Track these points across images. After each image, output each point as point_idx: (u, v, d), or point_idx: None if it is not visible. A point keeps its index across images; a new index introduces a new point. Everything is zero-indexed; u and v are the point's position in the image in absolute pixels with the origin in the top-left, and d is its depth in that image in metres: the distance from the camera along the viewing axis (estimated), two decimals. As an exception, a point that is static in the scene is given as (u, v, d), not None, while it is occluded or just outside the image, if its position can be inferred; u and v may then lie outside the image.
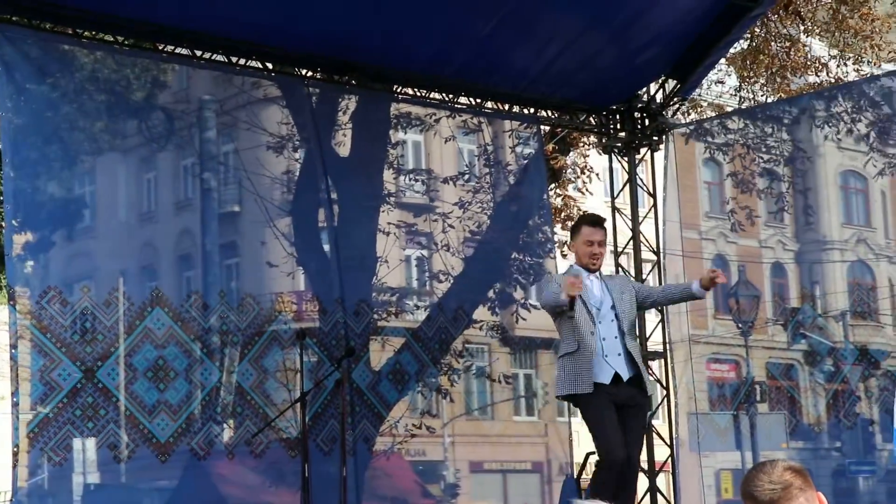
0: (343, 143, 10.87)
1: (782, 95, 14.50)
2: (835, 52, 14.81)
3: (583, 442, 11.88)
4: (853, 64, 14.51)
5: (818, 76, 14.74)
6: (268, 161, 10.66)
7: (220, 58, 9.72)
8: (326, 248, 10.59)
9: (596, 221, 7.44)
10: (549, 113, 11.35)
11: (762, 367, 12.44)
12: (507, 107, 11.03)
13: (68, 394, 8.62)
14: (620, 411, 7.14)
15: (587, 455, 10.22)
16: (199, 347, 9.33)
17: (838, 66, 14.67)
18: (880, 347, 11.54)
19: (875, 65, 14.49)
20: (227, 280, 10.50)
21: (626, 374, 7.16)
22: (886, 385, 10.85)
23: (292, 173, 10.89)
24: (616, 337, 7.12)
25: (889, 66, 14.71)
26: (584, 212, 15.71)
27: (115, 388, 8.87)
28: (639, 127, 11.35)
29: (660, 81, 11.24)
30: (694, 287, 7.24)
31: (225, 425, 9.53)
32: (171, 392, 9.08)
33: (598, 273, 7.32)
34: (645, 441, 11.15)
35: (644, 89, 11.34)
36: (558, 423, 12.27)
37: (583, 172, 15.51)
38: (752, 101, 14.76)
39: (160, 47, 9.46)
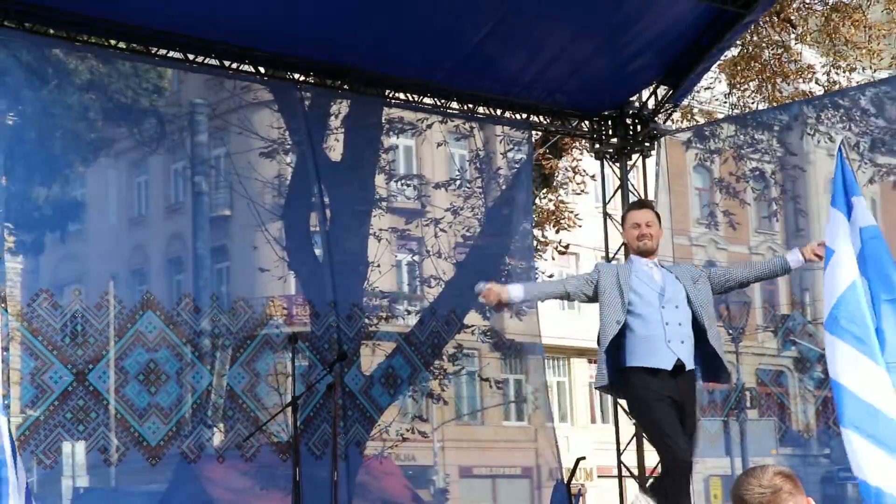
0: (335, 148, 10.88)
1: (774, 103, 14.55)
2: (827, 59, 14.88)
3: (572, 447, 11.91)
4: (845, 72, 14.57)
5: (808, 84, 14.80)
6: (259, 165, 10.68)
7: (212, 62, 9.72)
8: (318, 252, 10.60)
9: (641, 204, 7.10)
10: (542, 118, 11.38)
11: (752, 374, 12.47)
12: (499, 112, 11.06)
13: (59, 396, 8.63)
14: (679, 407, 6.47)
15: (577, 460, 10.25)
16: (191, 351, 9.34)
17: (829, 73, 14.73)
18: (869, 354, 11.54)
19: (873, 70, 14.53)
20: (217, 284, 10.52)
21: (688, 364, 6.51)
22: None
23: (283, 177, 10.91)
24: (681, 324, 6.49)
25: (883, 74, 14.77)
26: (576, 214, 15.81)
27: (106, 392, 8.87)
28: (630, 133, 11.39)
29: (651, 88, 11.27)
30: (791, 259, 6.60)
31: (215, 429, 9.53)
32: (162, 395, 9.08)
33: (656, 261, 6.72)
34: (636, 446, 11.20)
35: (636, 96, 11.38)
36: (548, 429, 12.29)
37: (576, 174, 15.57)
38: (743, 108, 14.81)
39: (153, 51, 9.46)
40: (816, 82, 14.69)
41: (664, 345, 6.45)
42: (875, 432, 5.70)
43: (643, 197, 11.54)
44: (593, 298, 6.65)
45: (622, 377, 6.56)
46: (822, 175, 14.40)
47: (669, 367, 6.43)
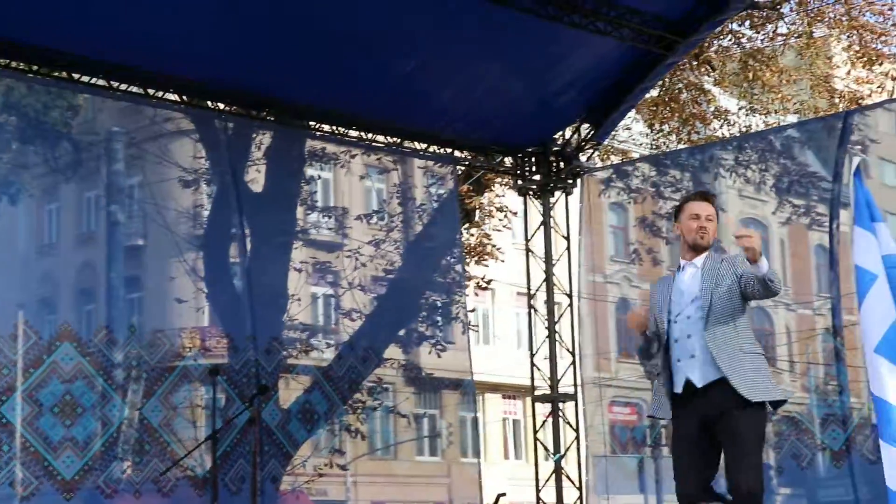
0: (257, 179, 10.78)
1: (689, 144, 14.77)
2: (743, 102, 15.17)
3: (486, 483, 11.90)
4: (760, 115, 14.87)
5: (723, 128, 15.07)
6: (177, 194, 10.54)
7: (135, 89, 9.61)
8: (238, 284, 10.46)
9: (704, 196, 6.27)
10: (466, 154, 11.42)
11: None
12: (423, 146, 11.07)
13: (-31, 430, 8.38)
14: (712, 428, 5.86)
15: (498, 496, 10.24)
16: (108, 383, 9.14)
17: (746, 115, 15.02)
18: (779, 394, 11.69)
19: (783, 115, 14.87)
20: (129, 314, 10.31)
21: (700, 380, 5.86)
22: (783, 430, 10.99)
23: (201, 207, 10.77)
24: (690, 336, 5.90)
25: (794, 118, 15.10)
26: (499, 249, 15.83)
27: (18, 424, 8.63)
28: (553, 170, 11.47)
29: (575, 125, 11.38)
30: (754, 269, 5.75)
31: (128, 461, 9.33)
32: (77, 428, 8.87)
33: (704, 256, 6.04)
34: (554, 482, 11.19)
35: (559, 133, 11.47)
36: (463, 464, 12.26)
37: (499, 210, 15.68)
38: (661, 149, 15.03)
39: (75, 77, 9.31)
40: (732, 125, 14.97)
41: (675, 364, 5.94)
42: None
43: (565, 234, 11.60)
44: None
45: None
46: (733, 216, 14.63)
47: (679, 390, 5.91)
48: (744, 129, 14.74)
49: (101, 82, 9.46)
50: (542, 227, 11.57)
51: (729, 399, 5.80)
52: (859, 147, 10.67)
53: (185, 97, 9.96)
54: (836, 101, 14.93)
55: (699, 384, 5.88)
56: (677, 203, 6.48)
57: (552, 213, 11.62)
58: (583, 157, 11.49)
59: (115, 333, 9.39)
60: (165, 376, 9.49)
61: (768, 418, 6.03)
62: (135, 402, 9.37)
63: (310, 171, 11.41)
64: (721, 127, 15.13)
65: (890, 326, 6.18)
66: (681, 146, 14.70)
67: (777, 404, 5.95)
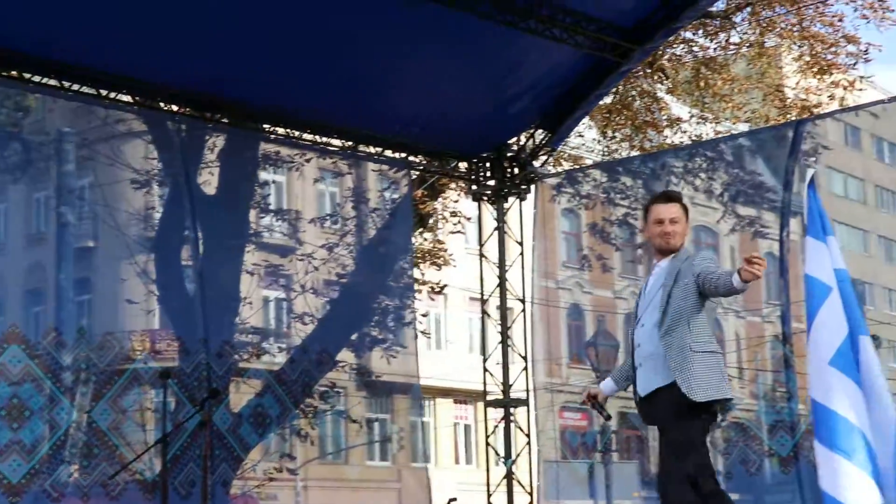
0: (209, 182, 10.72)
1: (641, 150, 14.86)
2: (695, 111, 15.30)
3: (436, 488, 11.90)
4: (711, 123, 15.00)
5: (675, 136, 15.17)
6: (128, 196, 10.46)
7: (88, 90, 9.53)
8: (190, 287, 10.40)
9: (669, 197, 6.06)
10: (420, 158, 11.43)
11: (616, 416, 12.63)
12: (378, 150, 11.06)
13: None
14: (662, 431, 5.86)
15: (449, 501, 10.25)
16: (56, 386, 9.04)
17: (698, 123, 15.14)
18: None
19: (734, 123, 15.01)
20: (79, 316, 10.22)
21: (643, 390, 5.87)
22: (731, 436, 11.07)
23: (153, 209, 10.70)
24: (640, 345, 5.88)
25: (743, 126, 15.25)
26: (451, 255, 15.84)
27: (-36, 429, 8.53)
28: (508, 176, 11.50)
29: (529, 132, 11.41)
30: (735, 282, 5.52)
31: (76, 465, 9.24)
32: (25, 431, 8.77)
33: (672, 258, 5.89)
34: (506, 488, 11.20)
35: (514, 139, 11.51)
36: (414, 469, 12.24)
37: (454, 215, 15.69)
38: (613, 156, 15.11)
39: (26, 76, 9.22)
40: (684, 132, 15.07)
41: (634, 369, 5.96)
42: (861, 458, 6.29)
43: (519, 239, 11.63)
44: None
45: None
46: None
47: (636, 398, 5.94)
48: (695, 138, 14.86)
49: (52, 82, 9.38)
50: (496, 233, 11.60)
51: (669, 404, 5.72)
52: (813, 160, 10.78)
53: (137, 98, 9.90)
54: (787, 110, 15.08)
55: (642, 394, 5.89)
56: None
57: (506, 218, 11.65)
58: (537, 164, 11.52)
59: (65, 335, 9.30)
60: (115, 379, 9.41)
61: (713, 423, 6.02)
62: (83, 405, 9.28)
63: (263, 174, 11.37)
64: (674, 134, 15.25)
65: (843, 340, 6.32)
66: (633, 153, 14.79)
67: (720, 404, 5.85)
